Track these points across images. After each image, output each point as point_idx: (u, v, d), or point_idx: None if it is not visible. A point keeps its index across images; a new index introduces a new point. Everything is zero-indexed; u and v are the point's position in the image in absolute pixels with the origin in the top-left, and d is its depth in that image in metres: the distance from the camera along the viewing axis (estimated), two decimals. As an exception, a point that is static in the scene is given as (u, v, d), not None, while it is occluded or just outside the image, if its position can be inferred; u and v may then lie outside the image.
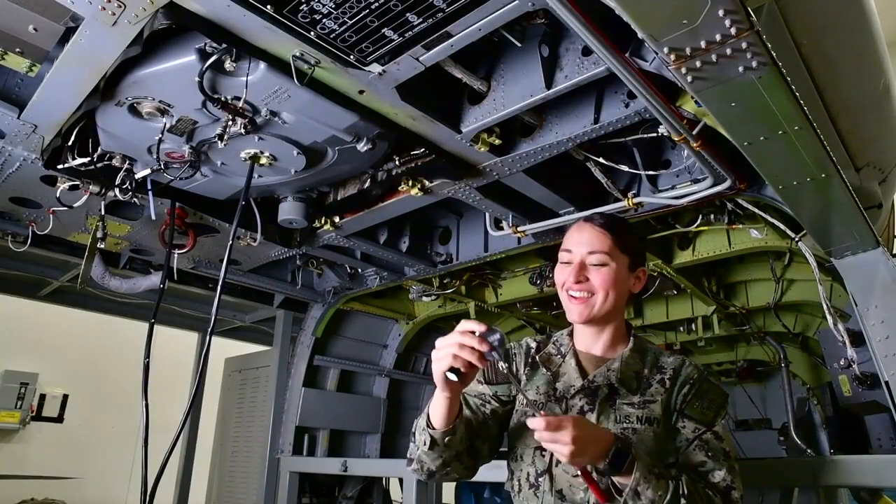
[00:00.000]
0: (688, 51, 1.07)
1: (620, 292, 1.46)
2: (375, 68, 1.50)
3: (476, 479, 1.47)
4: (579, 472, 1.27)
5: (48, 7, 1.34)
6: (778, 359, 3.65)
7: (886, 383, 1.93)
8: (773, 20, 1.07)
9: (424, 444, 1.32)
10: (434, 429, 1.31)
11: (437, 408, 1.29)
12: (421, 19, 1.32)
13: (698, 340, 3.74)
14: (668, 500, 1.22)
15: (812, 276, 2.31)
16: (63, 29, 1.41)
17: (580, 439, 1.18)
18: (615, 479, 1.26)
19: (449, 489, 4.35)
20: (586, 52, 1.55)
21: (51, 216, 2.31)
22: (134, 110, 1.68)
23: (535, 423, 1.18)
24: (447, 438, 1.31)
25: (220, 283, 1.76)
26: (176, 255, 2.51)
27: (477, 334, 1.18)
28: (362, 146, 1.83)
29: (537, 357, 1.53)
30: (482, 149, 1.87)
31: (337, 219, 2.49)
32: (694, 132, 1.61)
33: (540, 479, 1.38)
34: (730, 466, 1.35)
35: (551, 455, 1.36)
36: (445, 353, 1.18)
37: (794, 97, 1.19)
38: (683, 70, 1.12)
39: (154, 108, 1.65)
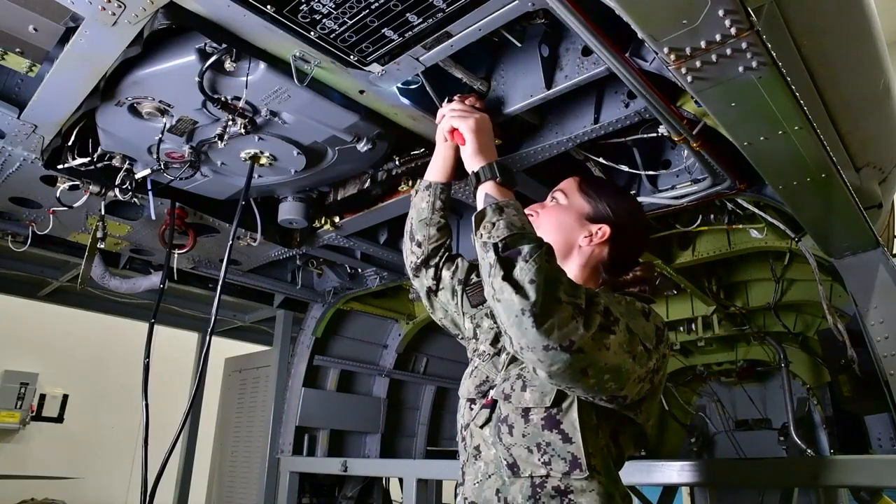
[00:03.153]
0: (688, 51, 1.08)
1: (559, 232, 1.37)
2: (375, 68, 1.50)
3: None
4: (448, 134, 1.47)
5: (48, 7, 1.34)
6: (778, 359, 3.65)
7: (886, 383, 1.93)
8: (773, 20, 1.07)
9: (415, 192, 1.58)
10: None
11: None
12: (421, 19, 1.32)
13: (698, 340, 3.74)
14: (527, 235, 1.11)
15: (812, 276, 2.31)
16: (63, 29, 1.41)
17: (484, 121, 1.40)
18: (487, 191, 1.23)
19: (449, 488, 4.35)
20: (586, 52, 1.55)
21: (51, 216, 2.31)
22: (134, 110, 1.68)
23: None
24: (433, 187, 1.54)
25: (220, 283, 1.76)
26: (176, 255, 2.51)
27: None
28: (362, 146, 1.83)
29: None
30: (482, 149, 1.87)
31: (337, 219, 2.49)
32: (694, 132, 1.61)
33: (464, 433, 1.35)
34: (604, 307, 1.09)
35: (479, 411, 1.31)
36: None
37: (794, 97, 1.20)
38: (683, 70, 1.12)
39: (154, 108, 1.65)
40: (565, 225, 1.38)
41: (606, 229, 1.36)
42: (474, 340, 1.51)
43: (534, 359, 1.03)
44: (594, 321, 1.04)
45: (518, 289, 1.02)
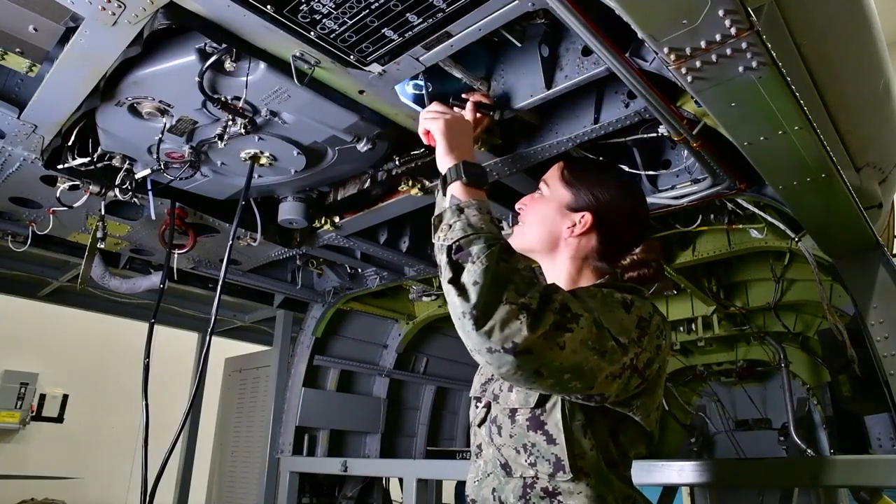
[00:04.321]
0: (688, 51, 1.08)
1: (542, 225, 1.35)
2: (375, 68, 1.50)
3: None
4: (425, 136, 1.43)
5: (48, 7, 1.34)
6: (778, 359, 3.66)
7: (886, 383, 1.93)
8: (773, 20, 1.07)
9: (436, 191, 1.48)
10: None
11: None
12: (421, 19, 1.32)
13: (698, 340, 3.74)
14: (483, 235, 1.08)
15: (812, 276, 2.31)
16: (63, 29, 1.40)
17: (455, 122, 1.37)
18: (453, 192, 1.20)
19: (449, 488, 4.35)
20: (586, 52, 1.55)
21: (51, 216, 2.31)
22: (134, 110, 1.68)
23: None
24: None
25: (220, 283, 1.76)
26: (176, 255, 2.51)
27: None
28: (362, 146, 1.83)
29: None
30: (482, 149, 1.87)
31: (337, 219, 2.49)
32: (694, 132, 1.61)
33: (470, 431, 1.36)
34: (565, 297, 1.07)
35: (479, 410, 1.32)
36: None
37: (794, 97, 1.20)
38: (683, 70, 1.12)
39: (154, 108, 1.65)
40: (547, 217, 1.35)
41: (588, 217, 1.31)
42: None
43: (482, 361, 1.03)
44: (545, 320, 1.00)
45: (462, 291, 1.01)
